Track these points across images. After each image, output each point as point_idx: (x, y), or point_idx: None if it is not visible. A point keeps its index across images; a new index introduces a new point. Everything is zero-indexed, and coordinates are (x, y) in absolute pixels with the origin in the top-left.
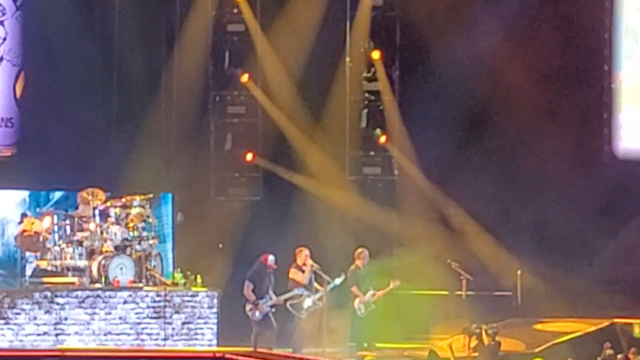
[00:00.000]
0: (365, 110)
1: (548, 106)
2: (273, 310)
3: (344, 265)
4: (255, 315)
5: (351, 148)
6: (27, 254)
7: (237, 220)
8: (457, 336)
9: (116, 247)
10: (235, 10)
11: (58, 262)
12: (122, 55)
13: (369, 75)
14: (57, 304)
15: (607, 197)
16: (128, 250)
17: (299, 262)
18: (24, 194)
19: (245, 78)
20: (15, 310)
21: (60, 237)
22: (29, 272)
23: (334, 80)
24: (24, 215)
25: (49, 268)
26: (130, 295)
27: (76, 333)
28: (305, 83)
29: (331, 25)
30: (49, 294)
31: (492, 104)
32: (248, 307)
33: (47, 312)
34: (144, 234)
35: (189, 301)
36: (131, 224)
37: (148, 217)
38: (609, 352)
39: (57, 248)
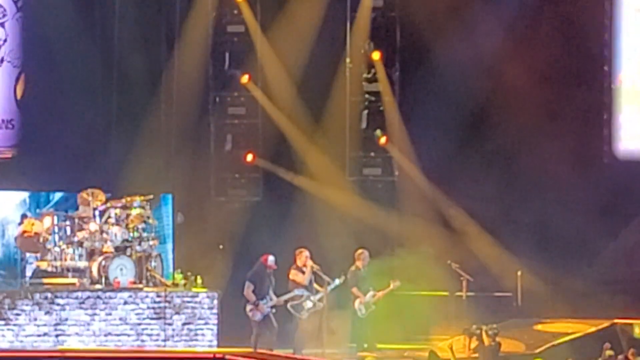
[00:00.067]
0: (366, 111)
1: (548, 107)
2: (273, 311)
3: (344, 266)
4: (255, 316)
5: (351, 149)
6: (28, 254)
7: (237, 221)
8: (457, 337)
9: (116, 248)
10: (235, 11)
11: (58, 263)
12: (122, 55)
13: (369, 76)
14: (58, 304)
15: (607, 197)
16: (128, 251)
17: (299, 263)
18: (24, 194)
19: (245, 79)
20: (15, 311)
21: (60, 238)
22: (29, 273)
23: (334, 81)
24: (24, 216)
25: (49, 269)
26: (130, 296)
27: (76, 334)
28: (305, 84)
29: (331, 26)
30: (49, 294)
31: (492, 104)
32: (248, 307)
33: (47, 312)
34: (144, 234)
35: (189, 302)
36: (131, 225)
37: (148, 218)
38: (609, 352)
39: (57, 249)
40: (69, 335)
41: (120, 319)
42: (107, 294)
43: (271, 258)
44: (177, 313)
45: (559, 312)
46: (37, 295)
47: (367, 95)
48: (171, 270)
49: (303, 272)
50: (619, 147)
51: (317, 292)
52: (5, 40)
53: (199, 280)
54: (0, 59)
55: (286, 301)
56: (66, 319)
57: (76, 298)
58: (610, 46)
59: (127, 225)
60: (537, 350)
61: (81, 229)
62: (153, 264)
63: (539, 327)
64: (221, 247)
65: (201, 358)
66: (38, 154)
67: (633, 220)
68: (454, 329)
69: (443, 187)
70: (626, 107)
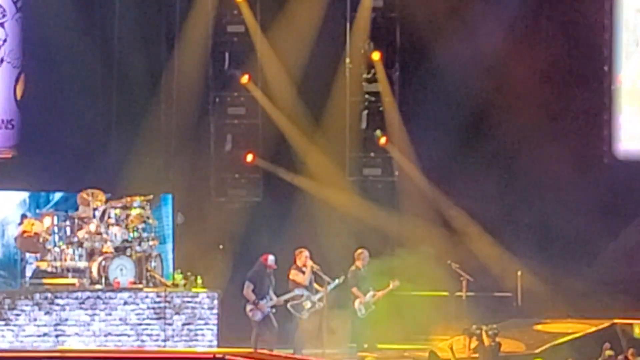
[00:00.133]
0: (366, 111)
1: (548, 107)
2: (274, 311)
3: (344, 266)
4: (255, 316)
5: (351, 149)
6: (27, 255)
7: (237, 221)
8: (457, 337)
9: (116, 248)
10: (235, 11)
11: (58, 263)
12: (122, 55)
13: (369, 76)
14: (58, 305)
15: (607, 198)
16: (128, 251)
17: (299, 263)
18: (24, 195)
19: (245, 79)
20: (15, 312)
21: (60, 238)
22: (29, 273)
23: (334, 81)
24: (24, 216)
25: (49, 269)
26: (130, 296)
27: (76, 334)
28: (305, 84)
29: (331, 26)
30: (49, 295)
31: (492, 104)
32: (249, 307)
33: (47, 313)
34: (144, 235)
35: (189, 302)
36: (131, 225)
37: (148, 218)
38: (609, 352)
39: (57, 249)
40: (69, 335)
41: (120, 319)
42: (107, 294)
43: (271, 258)
44: (177, 313)
45: (559, 312)
46: (37, 296)
47: (367, 96)
48: (171, 270)
49: (303, 272)
50: (619, 148)
51: (317, 292)
52: (5, 41)
53: (199, 281)
54: (0, 59)
55: (286, 301)
56: (66, 319)
57: (76, 298)
58: (610, 46)
59: (127, 225)
60: (537, 350)
61: (81, 229)
62: (153, 264)
63: (539, 327)
64: (221, 247)
65: (201, 358)
66: (38, 154)
67: (633, 220)
68: (454, 329)
69: (443, 187)
70: (626, 108)
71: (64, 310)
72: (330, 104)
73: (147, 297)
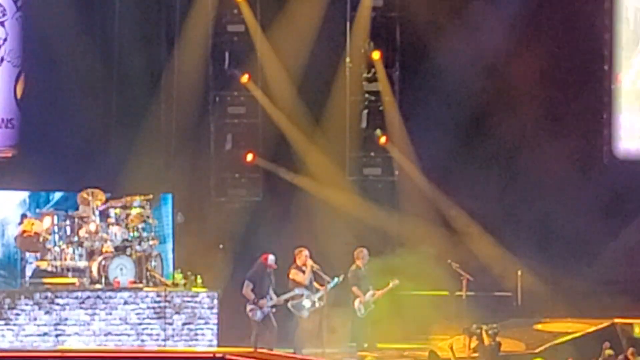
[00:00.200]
0: (366, 111)
1: (548, 106)
2: (274, 310)
3: (344, 266)
4: (256, 315)
5: (351, 148)
6: (27, 254)
7: (237, 221)
8: (457, 336)
9: (116, 248)
10: (235, 11)
11: (58, 263)
12: (122, 55)
13: (369, 75)
14: (58, 304)
15: (607, 197)
16: (128, 251)
17: (299, 262)
18: (24, 194)
19: (245, 78)
20: (15, 311)
21: (60, 238)
22: (29, 272)
23: (334, 80)
24: (24, 215)
25: (49, 269)
26: (130, 296)
27: (76, 334)
28: (305, 83)
29: (331, 26)
30: (49, 294)
31: (492, 104)
32: (249, 307)
33: (47, 312)
34: (144, 234)
35: (189, 302)
36: (131, 225)
37: (148, 217)
38: (609, 352)
39: (57, 249)
40: (69, 335)
41: (121, 318)
42: (107, 293)
43: (271, 257)
44: (177, 313)
45: (559, 312)
46: (37, 295)
47: (367, 95)
48: (171, 270)
49: (303, 272)
50: (619, 147)
51: (317, 291)
52: (5, 40)
53: (199, 280)
54: (0, 58)
55: (286, 300)
56: (66, 319)
57: (76, 298)
58: (610, 46)
59: (127, 225)
60: (537, 350)
61: (81, 229)
62: (153, 263)
63: (539, 326)
64: (221, 246)
65: (201, 358)
66: (38, 154)
67: (633, 220)
68: (454, 329)
69: (443, 186)
70: (626, 107)
71: (64, 309)
72: (330, 103)
73: (147, 296)
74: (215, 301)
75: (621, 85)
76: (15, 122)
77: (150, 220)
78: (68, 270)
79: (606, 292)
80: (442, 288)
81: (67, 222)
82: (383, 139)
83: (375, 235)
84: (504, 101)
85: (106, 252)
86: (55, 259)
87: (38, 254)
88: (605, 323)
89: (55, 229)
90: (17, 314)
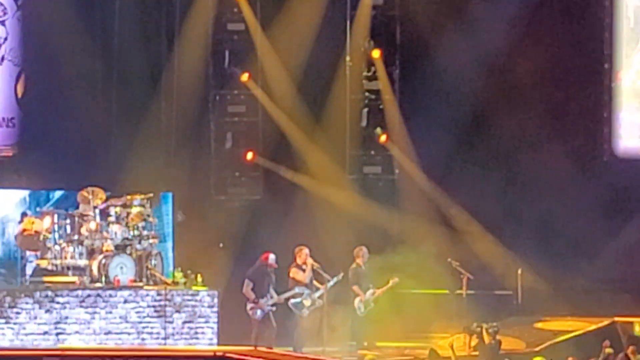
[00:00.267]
0: (366, 109)
1: (548, 105)
2: (274, 309)
3: (344, 264)
4: (256, 314)
5: (351, 147)
6: (28, 253)
7: (237, 220)
8: (457, 335)
9: (116, 246)
10: (235, 9)
11: (58, 262)
12: (122, 54)
13: (369, 74)
14: (58, 303)
15: (608, 196)
16: (128, 250)
17: (299, 261)
18: (25, 193)
19: (245, 77)
20: (16, 310)
21: (60, 237)
22: (29, 271)
23: (334, 79)
24: (24, 214)
25: (50, 267)
26: (130, 295)
27: (77, 332)
28: (305, 82)
29: (331, 25)
30: (49, 293)
31: (493, 102)
32: (249, 306)
33: (47, 311)
34: (145, 233)
35: (189, 300)
36: (131, 223)
37: (148, 216)
38: (609, 350)
39: (57, 247)
40: (69, 333)
41: (121, 317)
42: (108, 292)
43: (272, 256)
44: (178, 311)
45: (560, 310)
46: (37, 294)
47: (367, 94)
48: (171, 268)
49: (303, 270)
50: (619, 145)
51: (317, 289)
52: (5, 39)
53: (199, 279)
54: (1, 57)
55: (287, 299)
56: (66, 318)
57: (76, 296)
58: (610, 44)
59: (127, 223)
60: (538, 348)
61: (81, 227)
62: (153, 262)
63: (540, 325)
64: (221, 245)
65: (202, 356)
66: (38, 153)
67: (634, 218)
68: (454, 327)
69: (443, 185)
70: (626, 106)
71: (64, 308)
72: (331, 102)
73: (147, 295)
74: (216, 300)
75: (621, 83)
76: (16, 121)
77: (150, 219)
78: (68, 268)
79: (606, 291)
80: (443, 286)
81: (68, 220)
82: (383, 138)
83: (376, 233)
84: (504, 99)
85: (106, 250)
86: (55, 258)
87: (38, 253)
88: (606, 321)
89: (56, 227)
90: (18, 313)
